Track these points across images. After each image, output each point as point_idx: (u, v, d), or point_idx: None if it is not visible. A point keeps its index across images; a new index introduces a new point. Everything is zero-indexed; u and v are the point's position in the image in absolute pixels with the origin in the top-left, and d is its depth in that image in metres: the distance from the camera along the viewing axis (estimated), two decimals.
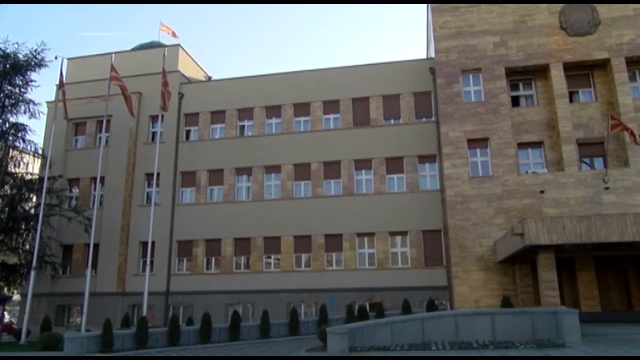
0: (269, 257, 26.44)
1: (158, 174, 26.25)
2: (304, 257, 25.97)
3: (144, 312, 21.24)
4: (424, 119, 26.33)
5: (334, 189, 26.57)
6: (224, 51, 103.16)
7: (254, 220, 26.57)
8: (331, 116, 27.63)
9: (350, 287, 24.47)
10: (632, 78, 23.62)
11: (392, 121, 26.75)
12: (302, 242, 25.95)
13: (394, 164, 26.00)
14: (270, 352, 16.73)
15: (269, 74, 29.05)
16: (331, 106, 27.63)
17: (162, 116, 26.19)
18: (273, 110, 28.38)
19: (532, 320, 16.21)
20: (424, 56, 31.38)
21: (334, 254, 25.63)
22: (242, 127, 28.85)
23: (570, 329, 15.61)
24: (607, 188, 21.38)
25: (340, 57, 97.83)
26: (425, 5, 28.38)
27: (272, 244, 26.33)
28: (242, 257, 26.68)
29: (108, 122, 28.19)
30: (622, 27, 23.31)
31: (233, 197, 27.57)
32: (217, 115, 29.06)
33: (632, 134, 20.95)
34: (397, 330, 16.21)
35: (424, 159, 25.82)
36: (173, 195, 27.93)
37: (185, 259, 27.30)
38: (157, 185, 27.51)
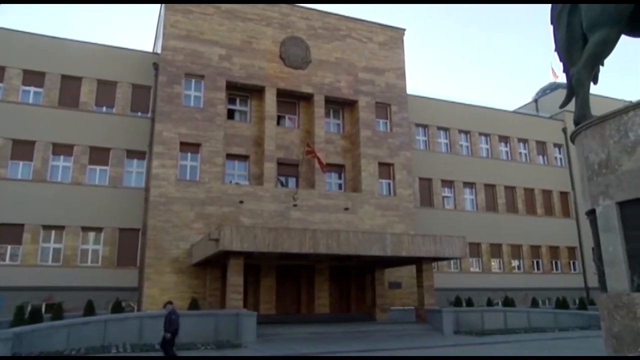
0: None
1: None
2: None
3: None
4: (139, 114, 25.30)
5: (21, 172, 23.03)
6: None
7: None
8: (32, 89, 24.01)
9: (26, 285, 21.42)
10: (327, 114, 27.63)
11: (104, 109, 24.91)
12: None
13: (99, 155, 24.13)
14: None
15: None
16: (34, 78, 24.01)
17: None
18: None
19: (215, 322, 17.20)
20: (150, 49, 30.31)
21: (9, 247, 22.10)
22: None
23: (248, 330, 17.14)
24: (295, 205, 24.36)
25: (58, 28, 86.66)
26: None
27: None
28: None
29: None
30: (326, 70, 27.11)
31: None
32: None
33: (319, 162, 24.31)
34: (76, 333, 15.19)
35: (132, 154, 24.73)
36: None
37: None
38: None
